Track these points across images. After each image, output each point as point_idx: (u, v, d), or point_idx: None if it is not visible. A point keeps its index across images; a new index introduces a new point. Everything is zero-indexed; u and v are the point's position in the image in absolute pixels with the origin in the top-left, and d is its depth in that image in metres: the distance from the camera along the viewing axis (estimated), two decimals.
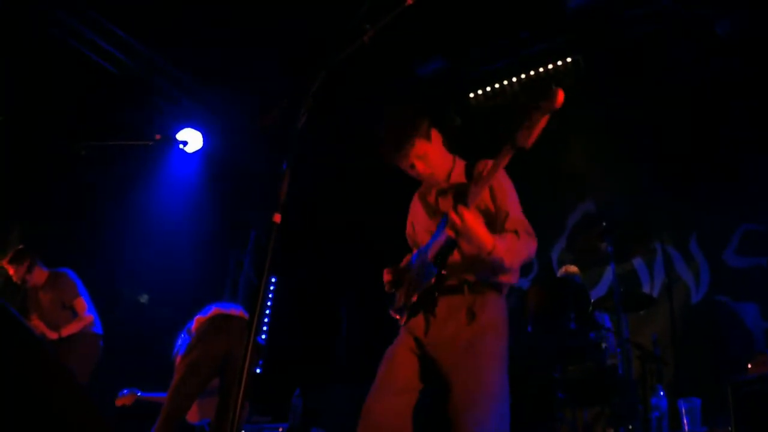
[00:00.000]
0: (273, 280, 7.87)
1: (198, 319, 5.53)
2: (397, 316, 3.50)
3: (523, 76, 7.96)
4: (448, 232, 3.11)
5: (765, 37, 6.81)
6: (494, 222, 3.31)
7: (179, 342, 5.69)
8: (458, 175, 3.51)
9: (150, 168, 8.05)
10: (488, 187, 3.33)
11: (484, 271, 3.26)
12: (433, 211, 3.58)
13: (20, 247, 6.82)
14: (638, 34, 7.36)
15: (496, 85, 8.09)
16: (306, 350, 7.97)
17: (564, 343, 5.40)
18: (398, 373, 3.30)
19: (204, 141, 7.89)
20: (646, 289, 7.21)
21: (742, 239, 6.98)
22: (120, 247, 7.63)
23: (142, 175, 8.05)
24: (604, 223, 5.57)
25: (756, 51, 6.87)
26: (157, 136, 5.35)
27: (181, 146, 6.82)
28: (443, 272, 3.25)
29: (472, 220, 3.02)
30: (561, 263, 7.44)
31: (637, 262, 7.40)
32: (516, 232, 3.23)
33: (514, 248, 3.17)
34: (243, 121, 8.18)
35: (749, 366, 5.02)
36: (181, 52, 7.78)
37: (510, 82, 8.04)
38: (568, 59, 7.72)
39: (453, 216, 3.02)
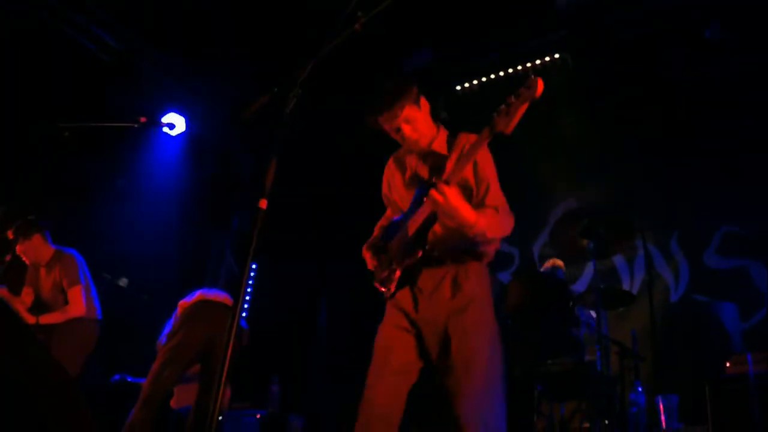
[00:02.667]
0: (253, 266, 7.84)
1: (182, 304, 5.51)
2: (382, 288, 3.52)
3: (510, 70, 7.96)
4: (430, 208, 3.20)
5: (753, 42, 6.86)
6: (473, 195, 3.39)
7: (166, 327, 5.67)
8: (439, 144, 3.58)
9: (134, 151, 8.01)
10: (460, 153, 3.41)
11: (465, 243, 3.33)
12: (411, 178, 3.65)
13: (30, 217, 6.44)
14: (627, 34, 7.38)
15: (483, 79, 8.09)
16: (286, 338, 7.97)
17: (543, 337, 5.43)
18: (395, 354, 3.34)
19: (188, 125, 7.86)
20: (625, 286, 7.28)
21: (722, 240, 7.04)
22: (101, 230, 7.57)
23: (126, 158, 8.00)
24: (586, 220, 5.60)
25: (743, 56, 6.92)
26: (142, 119, 5.29)
27: (165, 129, 6.76)
28: (426, 248, 3.31)
29: (455, 197, 3.09)
30: (543, 258, 7.48)
31: (618, 259, 7.46)
32: (496, 208, 3.32)
33: (494, 223, 3.27)
34: (228, 106, 8.13)
35: (727, 365, 5.07)
36: (168, 35, 7.73)
37: (497, 76, 8.04)
38: (556, 55, 7.72)
39: (435, 194, 3.08)
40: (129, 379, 6.36)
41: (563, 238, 5.86)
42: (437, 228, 3.32)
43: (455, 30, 7.65)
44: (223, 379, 2.35)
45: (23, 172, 7.03)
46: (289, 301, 8.07)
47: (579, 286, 7.45)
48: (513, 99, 2.98)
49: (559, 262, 6.66)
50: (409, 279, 3.39)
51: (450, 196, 3.07)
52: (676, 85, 7.42)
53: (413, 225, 3.37)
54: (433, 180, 3.28)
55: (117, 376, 6.40)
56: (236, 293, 2.58)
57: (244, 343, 5.66)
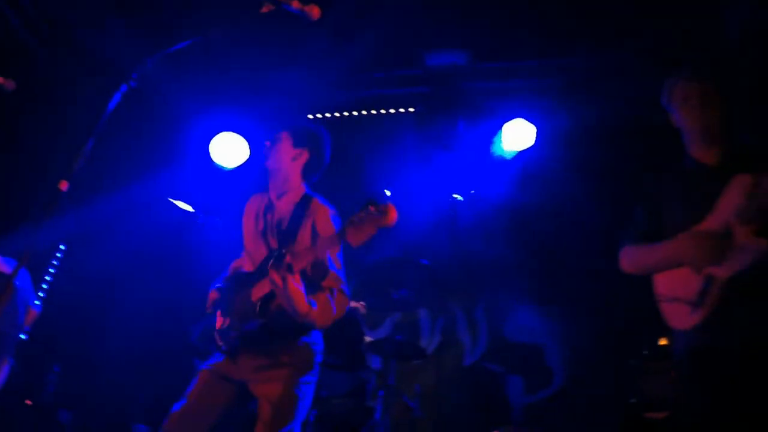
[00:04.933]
0: (63, 247, 7.49)
1: None
2: (219, 342, 3.49)
3: (364, 111, 8.08)
4: (269, 287, 3.22)
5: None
6: (317, 268, 3.41)
7: None
8: (289, 201, 3.62)
9: None
10: (312, 230, 3.43)
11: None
12: (262, 233, 3.65)
13: None
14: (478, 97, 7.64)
15: (336, 114, 8.15)
16: (79, 329, 7.62)
17: (330, 375, 5.49)
18: (207, 393, 3.40)
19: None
20: (424, 342, 7.41)
21: (523, 316, 7.34)
22: None
23: None
24: (401, 270, 5.73)
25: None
26: None
27: None
28: (266, 320, 3.33)
29: (292, 288, 3.14)
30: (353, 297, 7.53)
31: (423, 313, 7.59)
32: (332, 291, 3.38)
33: (327, 310, 3.33)
34: None
35: None
36: None
37: (350, 114, 8.12)
38: (411, 108, 7.91)
39: (275, 277, 3.13)
40: None
41: (373, 283, 5.96)
42: (278, 302, 3.30)
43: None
44: None
45: None
46: (92, 291, 7.74)
47: (378, 333, 7.54)
48: (364, 215, 2.99)
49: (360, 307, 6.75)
50: (243, 342, 3.40)
51: (288, 286, 3.12)
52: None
53: (258, 291, 3.36)
54: (283, 253, 3.27)
55: None
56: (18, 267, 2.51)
57: (28, 322, 5.40)
